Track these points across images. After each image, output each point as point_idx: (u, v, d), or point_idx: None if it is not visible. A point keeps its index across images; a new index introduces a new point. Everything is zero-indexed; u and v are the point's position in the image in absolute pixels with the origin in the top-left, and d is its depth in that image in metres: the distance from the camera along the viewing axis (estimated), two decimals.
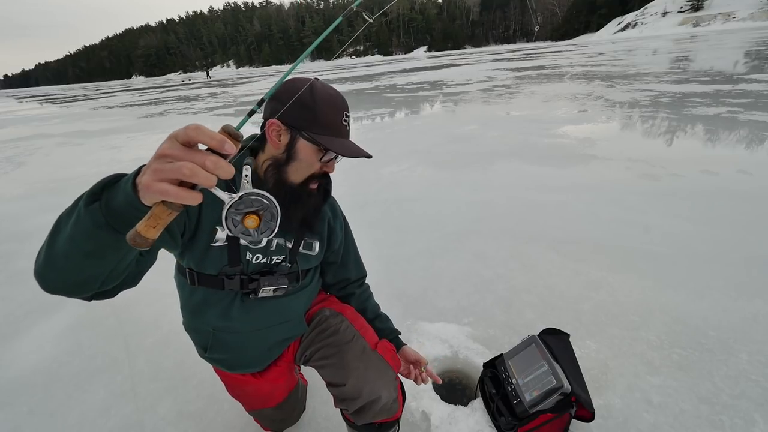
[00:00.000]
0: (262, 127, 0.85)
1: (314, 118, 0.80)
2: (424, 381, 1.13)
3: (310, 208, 0.91)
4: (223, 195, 0.46)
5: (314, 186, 0.89)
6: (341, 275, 1.16)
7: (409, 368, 1.14)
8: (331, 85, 0.88)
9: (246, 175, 0.50)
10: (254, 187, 0.51)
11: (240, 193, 0.46)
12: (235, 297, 0.93)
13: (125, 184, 0.48)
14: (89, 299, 0.63)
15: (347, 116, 0.85)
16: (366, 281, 1.24)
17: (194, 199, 0.42)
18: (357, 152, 0.84)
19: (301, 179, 0.86)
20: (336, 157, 0.86)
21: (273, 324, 1.00)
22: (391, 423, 1.04)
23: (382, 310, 1.24)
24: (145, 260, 0.69)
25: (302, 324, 1.07)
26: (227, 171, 0.42)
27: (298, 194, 0.86)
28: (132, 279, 0.68)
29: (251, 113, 0.56)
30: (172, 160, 0.42)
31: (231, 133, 0.42)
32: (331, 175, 0.93)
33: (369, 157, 0.85)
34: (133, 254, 0.59)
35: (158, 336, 1.85)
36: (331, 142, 0.81)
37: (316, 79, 0.83)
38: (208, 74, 54.31)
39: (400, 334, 1.21)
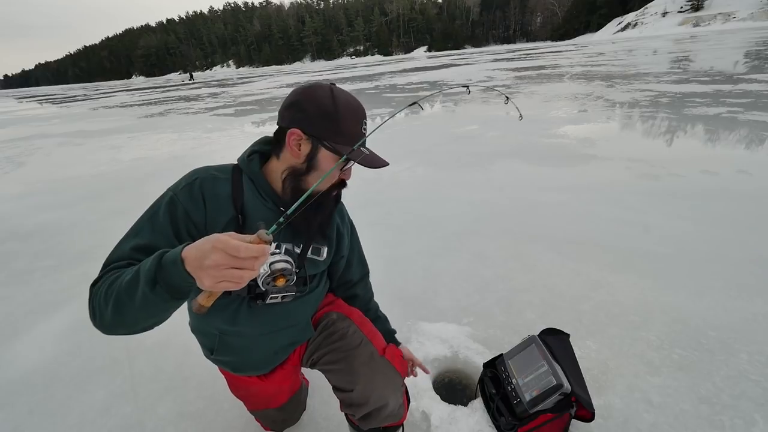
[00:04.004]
0: (277, 132, 0.85)
1: (336, 128, 0.80)
2: (414, 375, 1.16)
3: (327, 214, 0.93)
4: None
5: (335, 193, 0.91)
6: (346, 277, 1.16)
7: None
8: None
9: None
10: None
11: (270, 262, 0.73)
12: (243, 302, 0.92)
13: (179, 271, 0.61)
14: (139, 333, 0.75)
15: (365, 124, 0.86)
16: (368, 278, 1.24)
17: (243, 285, 0.59)
18: (379, 162, 0.84)
19: (324, 188, 0.86)
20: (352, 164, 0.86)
21: (280, 328, 1.00)
22: (396, 427, 1.04)
23: (381, 311, 1.25)
24: None
25: (309, 328, 1.07)
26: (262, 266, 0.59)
27: (319, 202, 0.87)
28: None
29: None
30: (227, 268, 0.56)
31: (264, 239, 0.56)
32: None
33: (388, 165, 0.85)
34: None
35: (158, 336, 1.84)
36: (354, 153, 0.81)
37: (332, 84, 0.83)
38: (191, 76, 53.07)
39: (396, 333, 1.23)
